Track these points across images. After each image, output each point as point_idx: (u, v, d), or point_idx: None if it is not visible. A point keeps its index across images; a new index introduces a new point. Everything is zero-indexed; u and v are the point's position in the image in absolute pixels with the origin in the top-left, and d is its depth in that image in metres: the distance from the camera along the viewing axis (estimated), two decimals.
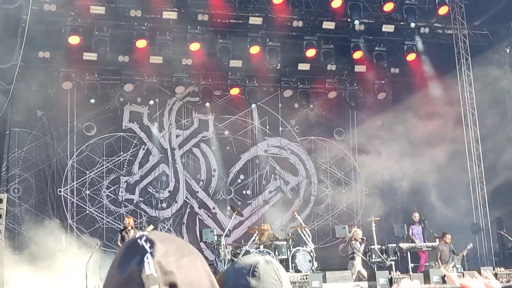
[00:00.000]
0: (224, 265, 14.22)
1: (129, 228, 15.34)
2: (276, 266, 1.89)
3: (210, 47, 17.91)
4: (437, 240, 16.45)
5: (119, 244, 15.09)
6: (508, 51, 19.42)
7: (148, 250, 1.16)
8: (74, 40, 16.80)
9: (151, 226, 16.34)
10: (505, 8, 18.17)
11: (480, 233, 18.44)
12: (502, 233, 17.42)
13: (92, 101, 18.03)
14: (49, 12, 16.54)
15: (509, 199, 18.38)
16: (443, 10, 17.78)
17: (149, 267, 1.13)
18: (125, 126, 18.81)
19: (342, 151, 20.14)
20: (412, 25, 18.22)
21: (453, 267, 15.85)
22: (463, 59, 19.08)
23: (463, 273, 12.92)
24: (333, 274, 15.28)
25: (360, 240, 16.05)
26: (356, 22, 18.03)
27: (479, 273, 9.47)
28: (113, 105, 18.62)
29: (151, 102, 18.76)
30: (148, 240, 1.19)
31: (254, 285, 1.81)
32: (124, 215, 17.61)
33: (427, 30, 19.15)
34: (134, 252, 1.18)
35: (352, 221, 19.18)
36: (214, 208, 19.04)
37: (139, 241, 1.19)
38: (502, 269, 14.78)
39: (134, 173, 18.69)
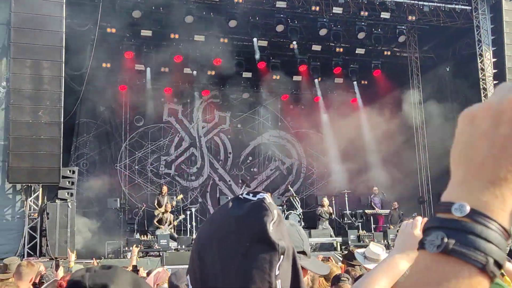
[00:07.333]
0: None
1: (164, 194, 15.12)
2: (298, 228, 1.88)
3: (229, 62, 17.62)
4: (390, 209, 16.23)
5: (155, 205, 14.88)
6: (448, 70, 19.15)
7: (260, 196, 0.99)
8: (128, 55, 16.69)
9: (181, 195, 16.09)
10: (446, 39, 18.04)
11: (424, 204, 18.25)
12: None
13: (141, 99, 17.83)
14: (111, 34, 16.27)
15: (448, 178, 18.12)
16: (401, 39, 17.52)
17: (268, 198, 0.99)
18: (165, 119, 18.56)
19: (324, 141, 19.86)
20: (378, 48, 17.95)
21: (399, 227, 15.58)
22: (414, 74, 18.85)
23: None
24: (316, 232, 15.13)
25: None
26: (337, 46, 17.82)
27: None
28: (157, 103, 18.35)
29: (184, 102, 18.50)
30: (249, 192, 1.02)
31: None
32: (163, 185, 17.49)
33: (389, 53, 18.91)
34: (244, 200, 1.00)
35: (331, 193, 18.95)
36: (229, 181, 18.83)
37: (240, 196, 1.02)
38: None
39: (171, 154, 18.47)
